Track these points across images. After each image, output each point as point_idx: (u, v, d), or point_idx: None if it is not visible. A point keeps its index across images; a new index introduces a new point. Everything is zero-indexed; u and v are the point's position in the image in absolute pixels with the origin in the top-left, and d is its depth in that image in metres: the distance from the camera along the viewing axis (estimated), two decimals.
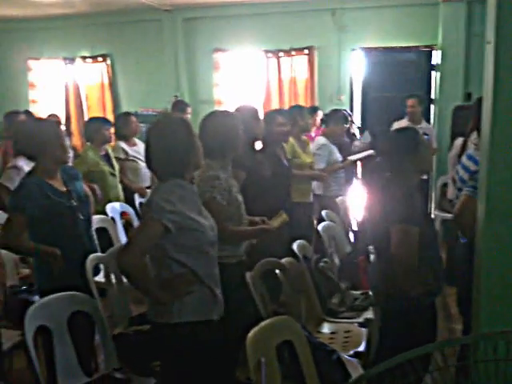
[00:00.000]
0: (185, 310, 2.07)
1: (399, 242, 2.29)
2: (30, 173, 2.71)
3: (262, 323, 2.12)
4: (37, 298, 2.80)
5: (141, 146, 5.10)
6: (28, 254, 2.73)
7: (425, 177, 5.28)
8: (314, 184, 4.62)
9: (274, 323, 2.18)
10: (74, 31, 7.41)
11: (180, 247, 2.05)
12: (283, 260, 2.96)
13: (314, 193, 4.66)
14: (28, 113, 5.78)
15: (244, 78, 7.12)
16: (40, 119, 3.64)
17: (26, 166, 3.44)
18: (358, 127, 6.49)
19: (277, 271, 2.91)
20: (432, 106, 6.47)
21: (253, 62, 7.02)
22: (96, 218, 3.81)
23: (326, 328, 3.06)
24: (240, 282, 2.65)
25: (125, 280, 3.12)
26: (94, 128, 4.50)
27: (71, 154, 4.51)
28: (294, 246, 3.20)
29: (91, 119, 5.22)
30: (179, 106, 5.89)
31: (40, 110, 7.39)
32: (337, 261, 3.70)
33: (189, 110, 5.87)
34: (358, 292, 3.41)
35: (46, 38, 7.55)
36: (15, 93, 7.64)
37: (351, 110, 6.61)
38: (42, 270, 2.68)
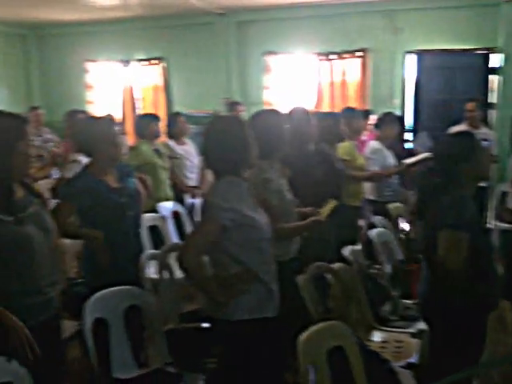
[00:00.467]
0: (242, 308, 2.09)
1: (447, 247, 2.20)
2: (84, 168, 2.79)
3: (314, 327, 2.11)
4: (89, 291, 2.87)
5: (190, 146, 5.20)
6: (71, 236, 2.78)
7: (483, 184, 5.10)
8: (367, 188, 4.58)
9: (325, 328, 2.16)
10: (130, 34, 7.61)
11: (237, 244, 2.08)
12: (334, 265, 2.94)
13: (366, 197, 4.61)
14: (85, 113, 5.99)
15: (295, 80, 7.11)
16: (95, 118, 3.75)
17: (85, 160, 3.56)
18: (411, 131, 6.38)
19: (327, 276, 2.89)
20: (490, 111, 6.26)
21: (304, 65, 7.00)
22: (148, 215, 3.91)
23: (376, 336, 3.00)
24: (292, 280, 2.65)
25: (177, 277, 3.20)
26: (143, 123, 4.64)
27: (125, 151, 4.63)
28: (346, 251, 3.17)
29: (141, 115, 5.37)
30: (233, 106, 6.02)
31: (96, 111, 7.62)
32: (388, 268, 3.64)
33: (241, 108, 5.96)
34: (410, 301, 3.34)
35: (103, 41, 7.78)
36: (73, 94, 7.91)
37: (404, 114, 6.49)
38: (89, 265, 2.75)
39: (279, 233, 2.50)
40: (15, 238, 1.94)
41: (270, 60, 7.08)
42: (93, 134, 2.71)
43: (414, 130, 6.47)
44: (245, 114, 6.10)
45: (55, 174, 5.30)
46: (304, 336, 2.00)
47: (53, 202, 3.85)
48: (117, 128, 2.82)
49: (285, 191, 2.71)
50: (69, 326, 2.90)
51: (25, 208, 2.02)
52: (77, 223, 2.69)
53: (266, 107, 7.00)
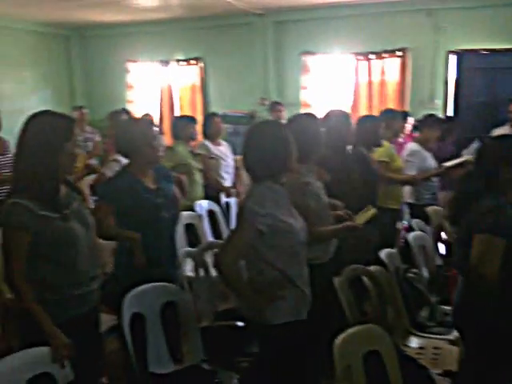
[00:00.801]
0: (278, 313, 2.10)
1: (481, 251, 2.12)
2: (123, 169, 2.84)
3: (350, 330, 2.09)
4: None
5: (225, 147, 5.24)
6: (110, 238, 2.82)
7: None
8: (406, 191, 4.51)
9: (362, 331, 2.14)
10: (170, 35, 7.70)
11: (273, 249, 2.09)
12: (371, 267, 2.91)
13: (405, 201, 4.55)
14: (126, 111, 6.11)
15: (332, 80, 7.06)
16: (135, 119, 3.81)
17: (125, 161, 3.62)
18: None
19: (364, 278, 2.86)
20: None
21: (342, 65, 6.94)
22: (185, 214, 3.95)
23: (413, 342, 2.94)
24: (327, 283, 2.64)
25: (213, 275, 3.22)
26: (180, 125, 4.70)
27: (162, 152, 4.70)
28: (382, 254, 3.13)
29: (178, 117, 5.44)
30: (274, 106, 6.03)
31: (136, 110, 7.76)
32: (426, 273, 3.57)
33: (281, 108, 5.97)
34: (449, 307, 3.26)
35: (144, 42, 7.91)
36: (114, 93, 8.06)
37: (446, 116, 6.35)
38: (122, 263, 2.77)
39: (315, 236, 2.50)
40: (61, 234, 2.01)
41: (308, 60, 7.05)
42: (132, 135, 2.75)
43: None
44: (284, 114, 6.11)
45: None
46: (340, 339, 1.99)
47: (92, 199, 3.96)
48: (156, 129, 2.84)
49: (321, 194, 2.71)
50: (106, 320, 2.96)
51: (68, 205, 2.08)
52: (113, 222, 2.72)
53: (303, 108, 6.99)
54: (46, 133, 1.98)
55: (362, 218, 2.68)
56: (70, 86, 8.36)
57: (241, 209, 2.13)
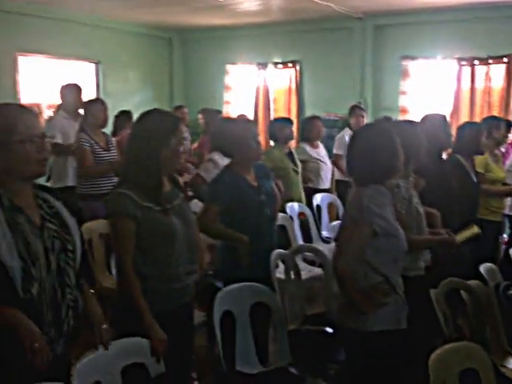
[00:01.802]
0: (379, 319, 2.06)
1: None
2: (226, 167, 2.90)
3: (447, 346, 2.01)
4: (220, 283, 2.99)
5: (323, 149, 5.22)
6: (218, 238, 2.89)
7: None
8: (508, 203, 4.26)
9: (459, 348, 2.05)
10: (269, 38, 7.81)
11: (380, 254, 2.05)
12: (470, 282, 2.77)
13: (506, 213, 4.29)
14: (219, 111, 6.28)
15: (433, 86, 6.82)
16: (236, 119, 3.89)
17: (220, 159, 3.72)
18: None
19: (462, 293, 2.73)
20: None
21: (444, 71, 6.69)
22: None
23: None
24: (417, 297, 2.54)
25: (305, 276, 3.22)
26: (277, 127, 4.72)
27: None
28: (482, 269, 2.97)
29: (275, 119, 5.49)
30: (356, 110, 5.91)
31: (232, 111, 7.95)
32: None
33: (363, 113, 5.85)
34: None
35: (243, 45, 8.09)
36: (212, 94, 8.29)
37: None
38: (228, 259, 2.83)
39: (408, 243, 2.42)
40: (161, 226, 2.07)
41: (408, 65, 6.86)
42: (234, 133, 2.81)
43: None
44: (365, 119, 5.96)
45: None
46: (437, 354, 1.92)
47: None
48: (257, 128, 2.89)
49: (415, 203, 2.61)
50: (196, 316, 3.06)
51: (171, 200, 2.15)
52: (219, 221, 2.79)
53: (400, 113, 6.82)
54: (152, 128, 2.08)
55: (462, 236, 2.56)
56: (169, 87, 8.72)
57: (355, 208, 2.09)
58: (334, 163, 5.56)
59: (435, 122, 3.27)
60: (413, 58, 6.83)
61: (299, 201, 4.61)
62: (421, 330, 2.36)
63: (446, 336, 2.43)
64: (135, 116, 2.44)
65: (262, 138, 7.65)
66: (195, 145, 5.99)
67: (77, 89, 4.49)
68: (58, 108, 4.78)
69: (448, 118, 4.27)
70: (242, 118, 5.19)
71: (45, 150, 1.65)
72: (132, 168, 2.09)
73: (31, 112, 1.69)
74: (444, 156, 3.48)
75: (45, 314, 1.59)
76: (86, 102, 4.40)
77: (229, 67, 8.21)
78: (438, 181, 3.08)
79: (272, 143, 4.87)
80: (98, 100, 4.38)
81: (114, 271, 2.89)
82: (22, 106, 1.77)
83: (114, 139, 4.49)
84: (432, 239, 2.59)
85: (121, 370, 1.87)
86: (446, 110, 6.47)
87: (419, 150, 2.63)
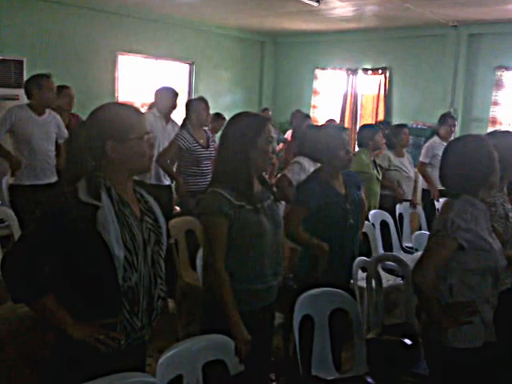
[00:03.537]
0: (459, 337, 2.00)
1: None
2: (315, 172, 2.93)
3: None
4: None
5: (408, 158, 5.12)
6: (300, 244, 2.92)
7: None
8: None
9: None
10: (359, 44, 7.80)
11: (468, 267, 1.99)
12: None
13: None
14: (308, 116, 6.31)
15: None
16: (327, 125, 3.87)
17: (306, 162, 3.76)
18: None
19: None
20: None
21: None
22: None
23: None
24: (505, 311, 2.45)
25: (385, 285, 3.18)
26: (367, 134, 4.68)
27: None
28: None
29: (365, 126, 5.42)
30: (446, 120, 5.71)
31: (319, 115, 7.98)
32: None
33: (453, 122, 5.66)
34: None
35: (333, 50, 8.12)
36: (300, 98, 8.40)
37: None
38: (306, 262, 2.86)
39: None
40: (252, 225, 2.11)
41: (503, 75, 6.58)
42: (325, 143, 2.83)
43: None
44: (463, 129, 5.77)
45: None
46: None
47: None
48: (348, 135, 2.89)
49: (511, 218, 2.52)
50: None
51: (261, 200, 2.20)
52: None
53: (490, 124, 6.57)
54: (241, 129, 2.14)
55: None
56: (259, 88, 8.91)
57: (439, 221, 2.07)
58: (419, 171, 5.44)
59: None
60: (507, 68, 6.57)
61: (376, 209, 4.57)
62: (503, 349, 2.27)
63: None
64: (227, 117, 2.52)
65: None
66: (280, 146, 6.07)
67: (173, 92, 4.66)
68: (151, 106, 4.98)
69: None
70: (333, 125, 5.19)
71: (153, 147, 1.78)
72: (224, 168, 2.16)
73: (141, 112, 1.84)
74: None
75: (141, 303, 1.70)
76: (189, 101, 4.59)
77: (318, 72, 8.24)
78: None
79: (357, 148, 4.84)
80: (201, 99, 4.53)
81: (198, 268, 2.96)
82: (134, 106, 1.90)
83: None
84: None
85: (203, 365, 1.90)
86: None
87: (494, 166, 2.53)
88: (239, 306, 2.07)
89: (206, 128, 4.54)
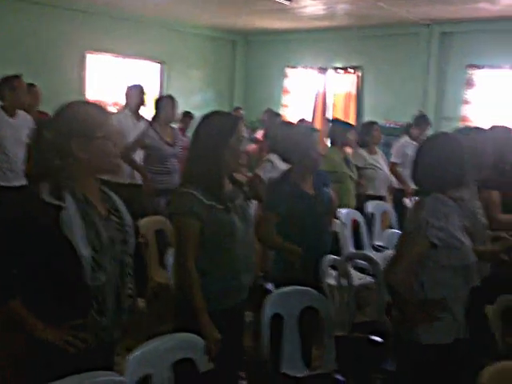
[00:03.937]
0: (431, 333, 2.01)
1: None
2: (284, 174, 2.90)
3: (499, 365, 1.95)
4: (270, 285, 3.00)
5: (381, 156, 5.15)
6: (273, 248, 2.92)
7: None
8: None
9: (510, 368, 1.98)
10: (331, 43, 7.81)
11: (439, 265, 2.00)
12: None
13: None
14: (280, 116, 6.30)
15: (500, 96, 6.60)
16: (297, 125, 3.86)
17: (277, 161, 3.74)
18: None
19: None
20: None
21: (510, 80, 6.47)
22: None
23: None
24: (482, 308, 2.48)
25: (355, 284, 3.19)
26: (338, 131, 4.68)
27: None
28: None
29: (335, 121, 5.41)
30: (422, 123, 5.73)
31: (290, 114, 7.97)
32: None
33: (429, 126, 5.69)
34: None
35: (304, 49, 8.12)
36: (270, 96, 8.38)
37: None
38: (281, 262, 2.84)
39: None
40: (223, 225, 2.10)
41: (473, 73, 6.69)
42: (295, 143, 2.81)
43: None
44: (434, 128, 5.83)
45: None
46: (489, 372, 1.86)
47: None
48: (318, 134, 2.88)
49: (479, 214, 2.55)
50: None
51: (232, 199, 2.18)
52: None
53: (461, 123, 6.65)
54: (212, 129, 2.13)
55: None
56: (230, 88, 8.87)
57: (411, 219, 2.07)
58: (391, 171, 5.47)
59: (501, 134, 3.17)
60: (478, 66, 6.66)
61: (349, 207, 4.57)
62: (471, 345, 2.30)
63: (501, 354, 2.35)
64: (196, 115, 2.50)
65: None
66: (253, 146, 6.04)
67: (139, 89, 4.66)
68: (124, 107, 4.96)
69: None
70: (304, 125, 5.18)
71: (119, 147, 1.76)
72: (194, 168, 2.14)
73: (107, 110, 1.82)
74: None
75: (109, 302, 1.68)
76: (157, 99, 4.60)
77: (288, 71, 8.25)
78: (503, 195, 2.99)
79: (329, 144, 4.83)
80: (169, 97, 4.56)
81: (168, 267, 2.94)
82: (100, 105, 1.87)
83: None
84: (493, 248, 2.51)
85: (172, 363, 1.89)
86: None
87: (486, 161, 2.56)
88: (211, 305, 2.07)
89: (174, 126, 4.54)
